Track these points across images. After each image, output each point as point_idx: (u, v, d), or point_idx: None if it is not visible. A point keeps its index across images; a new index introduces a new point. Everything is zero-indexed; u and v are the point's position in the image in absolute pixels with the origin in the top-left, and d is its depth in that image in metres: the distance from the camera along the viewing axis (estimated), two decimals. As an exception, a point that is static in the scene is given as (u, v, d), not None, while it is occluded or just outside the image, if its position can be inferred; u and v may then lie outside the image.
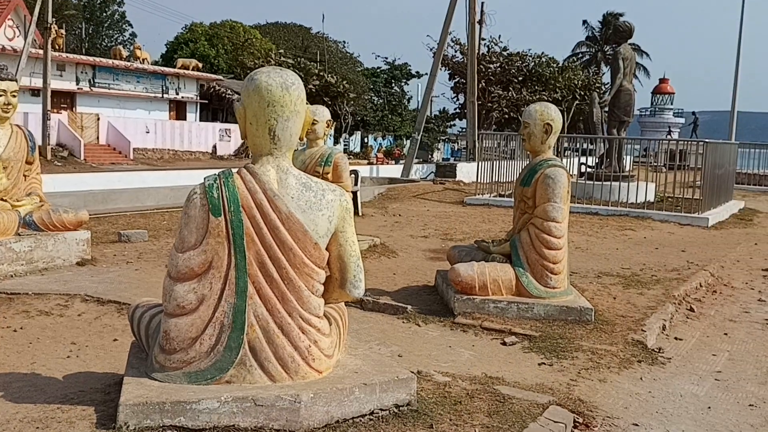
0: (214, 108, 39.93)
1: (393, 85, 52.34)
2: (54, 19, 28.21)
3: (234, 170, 3.24)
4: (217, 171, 3.29)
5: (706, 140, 14.14)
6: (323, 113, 7.49)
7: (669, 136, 45.97)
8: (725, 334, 5.57)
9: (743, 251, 9.52)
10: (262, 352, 3.14)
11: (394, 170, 23.82)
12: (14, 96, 6.23)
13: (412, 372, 3.56)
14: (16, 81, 6.39)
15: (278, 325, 3.17)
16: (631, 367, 4.58)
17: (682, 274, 7.43)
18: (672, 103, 57.66)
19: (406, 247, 8.74)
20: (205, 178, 3.19)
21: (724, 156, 14.56)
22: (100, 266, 6.73)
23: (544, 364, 4.52)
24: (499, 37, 33.38)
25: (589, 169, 15.73)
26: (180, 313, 3.14)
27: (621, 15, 52.62)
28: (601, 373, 4.39)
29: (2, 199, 6.20)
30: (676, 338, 5.35)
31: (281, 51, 35.01)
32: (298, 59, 37.29)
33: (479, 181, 15.39)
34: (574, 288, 5.95)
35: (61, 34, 33.49)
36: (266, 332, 3.16)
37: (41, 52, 28.03)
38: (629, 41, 16.22)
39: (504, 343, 4.91)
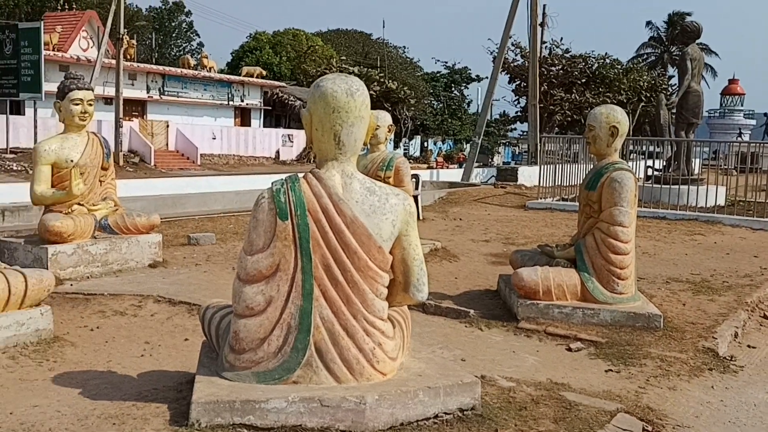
0: (278, 114, 40.64)
1: (453, 89, 52.22)
2: (126, 30, 29.27)
3: (300, 175, 3.31)
4: (283, 176, 3.37)
5: (781, 142, 13.60)
6: (384, 118, 7.56)
7: (740, 138, 44.44)
8: (802, 343, 5.36)
9: (821, 257, 9.11)
10: (328, 353, 3.19)
11: (454, 174, 23.76)
12: (90, 105, 6.50)
13: (476, 376, 3.56)
14: (92, 90, 6.66)
15: (343, 327, 3.22)
16: (702, 375, 4.46)
17: (754, 281, 7.18)
18: (742, 104, 55.70)
19: (467, 251, 8.71)
20: (272, 183, 3.27)
21: (800, 158, 13.99)
22: (170, 268, 6.94)
23: (611, 370, 4.44)
24: (561, 39, 32.88)
25: (656, 173, 15.35)
26: (249, 314, 3.23)
27: (688, 15, 51.16)
28: (671, 381, 4.29)
29: (80, 204, 6.46)
30: (749, 346, 5.18)
31: (342, 58, 35.37)
32: (359, 65, 37.60)
33: (541, 185, 15.20)
34: (641, 294, 5.83)
35: (132, 44, 34.76)
36: (332, 334, 3.21)
37: (114, 62, 29.11)
38: (697, 41, 15.78)
39: (569, 349, 4.84)
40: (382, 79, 35.60)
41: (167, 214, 10.64)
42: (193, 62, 37.72)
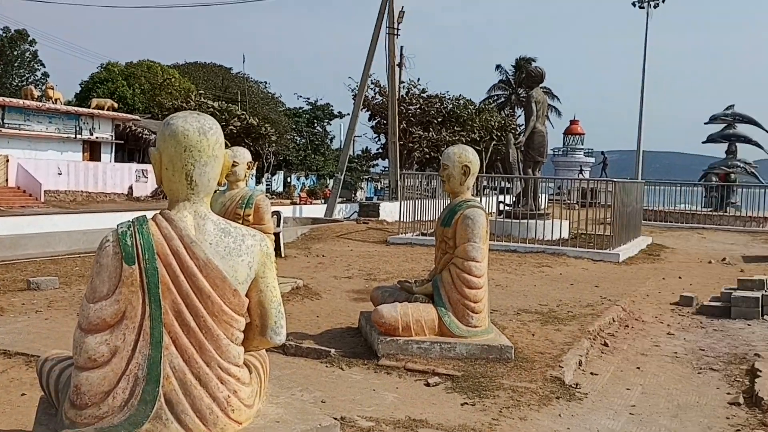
0: (131, 148, 38.99)
1: (315, 124, 52.56)
2: (-41, 57, 27.08)
3: (149, 216, 3.17)
4: (133, 215, 3.21)
5: (615, 179, 14.80)
6: (243, 155, 7.46)
7: (581, 175, 47.84)
8: (638, 368, 5.77)
9: (652, 286, 9.93)
10: (179, 404, 3.04)
11: (317, 210, 23.77)
12: None
13: (335, 419, 3.52)
14: None
15: (196, 375, 3.08)
16: (550, 404, 4.68)
17: (596, 310, 7.67)
18: (582, 144, 60.17)
19: (329, 288, 8.70)
20: (118, 225, 3.11)
21: (631, 194, 15.25)
22: (7, 316, 6.39)
23: (467, 404, 4.56)
24: (418, 80, 34.08)
25: (507, 208, 16.16)
26: (91, 366, 3.01)
27: (533, 60, 54.80)
28: (522, 411, 4.46)
29: None
30: (592, 373, 5.50)
31: (201, 92, 34.62)
32: (219, 100, 36.98)
33: (402, 220, 15.54)
34: (494, 326, 6.06)
35: (-33, 72, 32.18)
36: (183, 384, 3.06)
37: (-56, 90, 26.83)
38: (541, 85, 16.92)
39: (428, 384, 4.92)
40: (243, 115, 35.17)
41: (4, 257, 9.85)
42: (37, 93, 35.43)
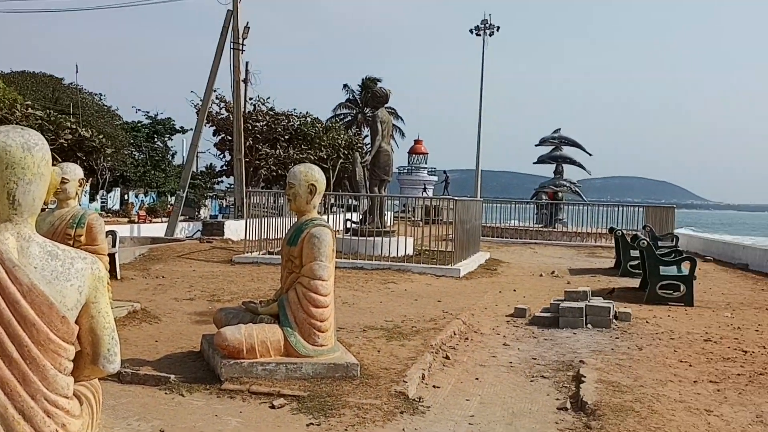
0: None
1: (156, 139, 50.50)
2: None
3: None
4: None
5: (456, 197, 15.48)
6: (74, 171, 7.02)
7: (424, 193, 49.54)
8: (477, 378, 6.03)
9: (490, 299, 10.45)
10: (-1, 443, 2.79)
11: (158, 229, 22.79)
12: None
13: (175, 447, 3.38)
14: None
15: (19, 410, 2.83)
16: (395, 419, 4.77)
17: (438, 324, 7.95)
18: (426, 163, 62.39)
19: (169, 311, 8.36)
20: (-73, 249, 2.81)
21: (471, 211, 16.01)
22: None
23: (312, 424, 4.54)
24: (267, 98, 33.77)
25: (354, 225, 16.38)
26: None
27: (378, 80, 56.26)
28: (367, 428, 4.52)
29: None
30: (434, 386, 5.68)
31: (28, 102, 32.14)
32: (48, 111, 34.55)
33: (248, 239, 15.27)
34: (341, 344, 6.09)
35: None
36: (4, 420, 2.81)
37: None
38: (386, 105, 17.38)
39: (273, 407, 4.85)
40: (74, 127, 33.08)
41: None
42: None
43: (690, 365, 6.55)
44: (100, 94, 49.53)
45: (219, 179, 46.35)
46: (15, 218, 2.95)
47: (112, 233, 10.99)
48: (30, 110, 27.65)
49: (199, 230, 21.71)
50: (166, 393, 5.10)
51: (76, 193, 7.09)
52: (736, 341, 7.71)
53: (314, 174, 5.95)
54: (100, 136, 34.16)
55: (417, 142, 63.24)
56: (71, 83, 49.91)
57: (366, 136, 47.53)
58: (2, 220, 2.94)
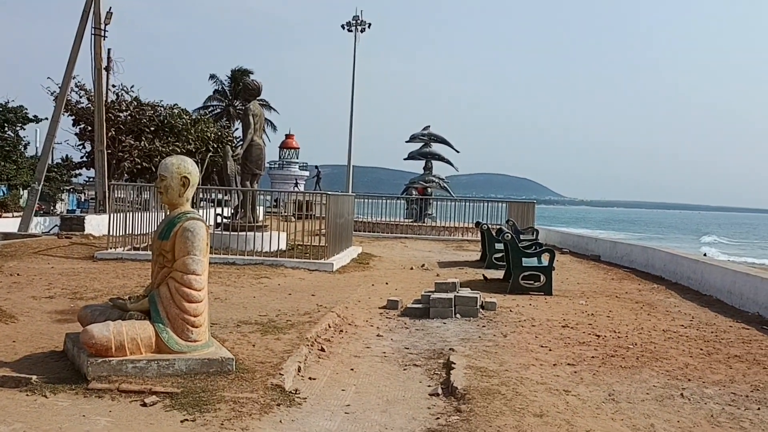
0: None
1: (6, 129, 46.95)
2: None
3: None
4: None
5: (329, 192, 15.57)
6: None
7: (296, 188, 49.34)
8: (352, 369, 6.15)
9: (363, 292, 10.63)
10: None
11: (10, 224, 21.26)
12: None
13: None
14: None
15: None
16: (272, 411, 4.78)
17: (313, 317, 8.00)
18: (298, 157, 62.09)
19: (27, 310, 7.87)
20: None
21: (344, 206, 16.16)
22: None
23: (187, 420, 4.47)
24: (131, 87, 32.21)
25: (225, 220, 16.06)
26: None
27: (250, 72, 55.17)
28: (244, 422, 4.50)
29: None
30: (310, 378, 5.73)
31: None
32: None
33: (111, 234, 14.59)
34: (215, 339, 6.00)
35: None
36: None
37: None
38: (258, 98, 17.15)
39: (144, 405, 4.72)
40: None
41: None
42: None
43: (550, 350, 7.01)
44: (-60, 78, 45.53)
45: (77, 172, 43.84)
46: None
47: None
48: None
49: (56, 225, 20.49)
50: (27, 395, 4.82)
51: None
52: (590, 327, 8.32)
53: (187, 166, 5.82)
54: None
55: (288, 136, 62.77)
56: None
57: (236, 129, 46.60)
58: None
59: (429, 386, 5.67)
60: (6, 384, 5.00)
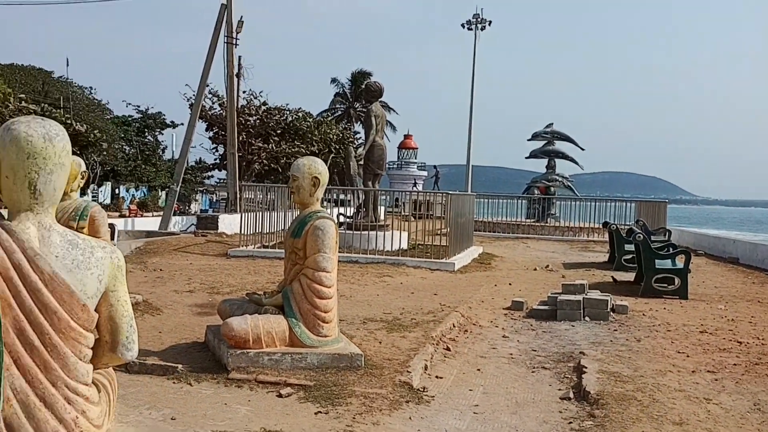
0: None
1: (146, 134, 50.28)
2: None
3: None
4: None
5: (450, 192, 15.55)
6: (78, 163, 7.06)
7: (415, 188, 49.64)
8: (478, 369, 6.11)
9: (486, 292, 10.54)
10: (21, 428, 2.83)
11: (150, 223, 22.78)
12: None
13: (191, 434, 3.43)
14: None
15: (40, 397, 2.88)
16: (401, 407, 4.84)
17: (437, 316, 8.02)
18: (416, 158, 62.48)
19: (170, 303, 8.39)
20: (-51, 238, 2.84)
21: (464, 206, 16.09)
22: None
23: (321, 412, 4.61)
24: (260, 92, 33.66)
25: (347, 219, 16.42)
26: None
27: (370, 74, 56.11)
28: (374, 417, 4.58)
29: None
30: (437, 377, 5.76)
31: (22, 95, 31.94)
32: (42, 105, 34.36)
33: (242, 232, 15.29)
34: (343, 335, 6.15)
35: None
36: (26, 406, 2.85)
37: None
38: (379, 100, 17.42)
39: (280, 395, 4.91)
40: (68, 121, 32.93)
41: None
42: None
43: (687, 356, 6.66)
44: (91, 88, 49.17)
45: (210, 174, 46.23)
46: (36, 208, 2.99)
47: (112, 226, 10.98)
48: (23, 103, 27.50)
49: (193, 224, 21.69)
50: (174, 382, 5.15)
51: (78, 186, 7.13)
52: (730, 332, 7.83)
53: (318, 167, 6.00)
54: (95, 131, 34.01)
55: (407, 137, 63.30)
56: (61, 76, 49.57)
57: (357, 132, 47.55)
58: (23, 210, 2.98)
59: (559, 390, 5.55)
60: (155, 372, 5.36)
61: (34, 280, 2.88)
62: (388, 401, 4.91)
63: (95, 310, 3.05)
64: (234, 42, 22.60)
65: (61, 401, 2.92)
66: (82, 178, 7.22)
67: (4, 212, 3.19)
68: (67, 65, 49.11)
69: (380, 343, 6.58)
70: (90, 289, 3.01)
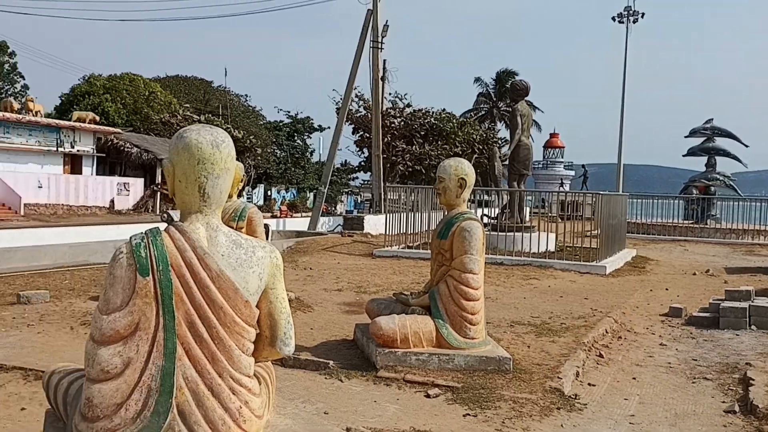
0: (112, 161, 38.67)
1: (296, 138, 52.54)
2: (-62, 69, 26.77)
3: (161, 228, 3.17)
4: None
5: (600, 192, 14.97)
6: (240, 168, 7.48)
7: (562, 188, 48.23)
8: (634, 378, 5.83)
9: (640, 297, 10.03)
10: (192, 415, 3.02)
11: (300, 223, 23.76)
12: None
13: (343, 430, 3.53)
14: None
15: (208, 386, 3.07)
16: (552, 414, 4.71)
17: (588, 321, 7.74)
18: (562, 157, 60.77)
19: (320, 301, 8.70)
20: (131, 237, 3.10)
21: (616, 206, 15.42)
22: (-2, 330, 6.31)
23: (469, 415, 4.58)
24: (405, 95, 34.21)
25: (492, 221, 16.26)
26: (104, 378, 2.99)
27: (515, 73, 55.21)
28: (524, 422, 4.49)
29: None
30: (589, 384, 5.55)
31: (186, 105, 34.44)
32: (203, 113, 36.86)
33: (387, 233, 15.56)
34: (490, 338, 6.09)
35: (-55, 84, 31.84)
36: (196, 395, 3.05)
37: None
38: (525, 98, 17.09)
39: (428, 396, 4.94)
40: (227, 128, 35.12)
41: (-10, 270, 9.72)
42: (17, 106, 35.10)
43: None
44: (246, 95, 52.05)
45: (354, 175, 47.48)
46: (205, 210, 3.20)
47: (266, 226, 11.57)
48: (188, 113, 29.65)
49: (339, 225, 22.38)
50: (326, 378, 5.33)
51: (237, 188, 7.56)
52: None
53: (464, 168, 5.97)
54: (251, 137, 36.00)
55: (553, 135, 61.72)
56: (220, 86, 52.90)
57: (500, 130, 46.96)
58: (194, 212, 3.20)
59: (723, 402, 5.17)
60: (308, 367, 5.56)
61: (203, 277, 3.08)
62: (539, 407, 4.79)
63: (256, 307, 3.22)
64: (379, 46, 23.07)
65: (227, 391, 3.10)
66: (241, 181, 7.66)
67: (173, 213, 3.44)
68: (225, 74, 52.38)
69: (529, 347, 6.45)
70: (252, 287, 3.18)
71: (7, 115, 32.95)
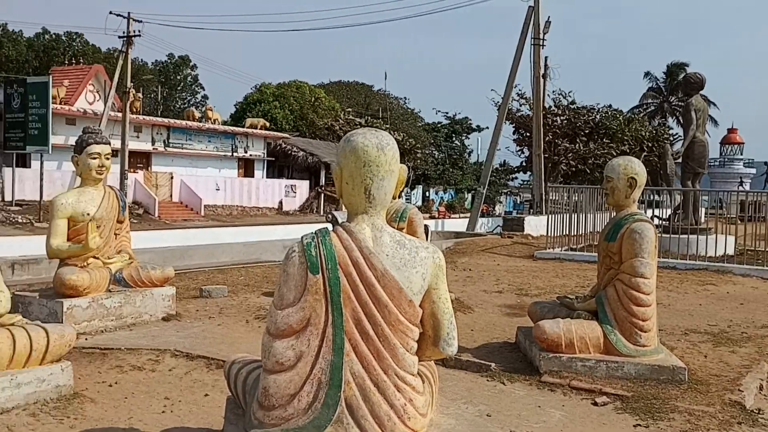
0: (281, 165, 40.95)
1: (453, 139, 52.71)
2: (132, 84, 29.68)
3: (330, 228, 3.30)
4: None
5: (788, 191, 13.67)
6: (404, 170, 7.63)
7: (741, 187, 44.60)
8: (831, 396, 5.26)
9: (838, 307, 9.03)
10: (359, 409, 3.13)
11: (458, 224, 23.80)
12: (108, 158, 6.54)
13: (507, 433, 3.48)
14: (110, 144, 6.71)
15: (374, 382, 3.16)
16: (731, 429, 4.37)
17: (774, 332, 7.09)
18: (742, 153, 56.24)
19: (480, 302, 8.65)
20: (303, 237, 3.26)
21: (807, 207, 14.01)
22: (184, 321, 6.88)
23: (640, 425, 4.36)
24: (569, 92, 33.21)
25: (664, 222, 15.35)
26: (279, 370, 3.17)
27: (686, 65, 51.87)
28: (702, 437, 4.20)
29: (95, 257, 6.44)
30: (776, 400, 5.09)
31: (349, 109, 35.76)
32: (365, 117, 38.05)
33: (549, 234, 15.18)
34: (663, 346, 5.75)
35: (138, 97, 35.27)
36: (362, 390, 3.15)
37: (119, 114, 29.47)
38: (700, 92, 15.98)
39: (595, 404, 4.76)
40: (388, 131, 36.04)
41: (176, 266, 10.60)
42: (197, 114, 38.20)
43: None
44: (405, 98, 53.04)
45: (514, 176, 46.80)
46: (370, 211, 3.29)
47: (426, 227, 11.71)
48: (351, 117, 30.74)
49: (499, 225, 22.15)
50: (487, 380, 5.29)
51: (400, 190, 7.69)
52: None
53: (634, 167, 5.69)
54: (410, 139, 36.66)
55: (731, 131, 57.22)
56: (380, 89, 54.31)
57: (671, 128, 44.25)
58: (360, 213, 3.30)
59: None
60: (470, 368, 5.55)
61: (369, 276, 3.17)
62: (717, 421, 4.46)
63: (419, 306, 3.27)
64: (541, 43, 22.58)
65: (392, 388, 3.17)
66: (402, 183, 7.79)
67: (337, 214, 3.57)
68: (385, 78, 53.68)
69: (705, 357, 6.02)
70: (415, 286, 3.23)
71: (190, 123, 35.95)
